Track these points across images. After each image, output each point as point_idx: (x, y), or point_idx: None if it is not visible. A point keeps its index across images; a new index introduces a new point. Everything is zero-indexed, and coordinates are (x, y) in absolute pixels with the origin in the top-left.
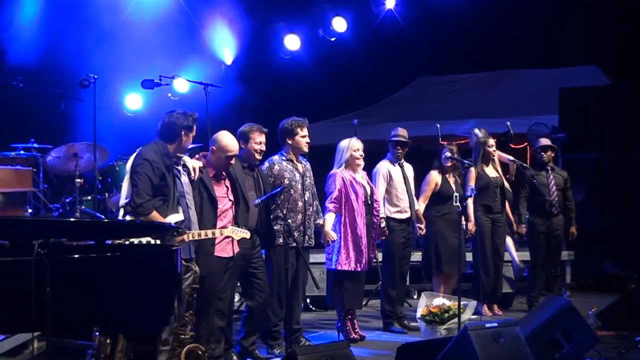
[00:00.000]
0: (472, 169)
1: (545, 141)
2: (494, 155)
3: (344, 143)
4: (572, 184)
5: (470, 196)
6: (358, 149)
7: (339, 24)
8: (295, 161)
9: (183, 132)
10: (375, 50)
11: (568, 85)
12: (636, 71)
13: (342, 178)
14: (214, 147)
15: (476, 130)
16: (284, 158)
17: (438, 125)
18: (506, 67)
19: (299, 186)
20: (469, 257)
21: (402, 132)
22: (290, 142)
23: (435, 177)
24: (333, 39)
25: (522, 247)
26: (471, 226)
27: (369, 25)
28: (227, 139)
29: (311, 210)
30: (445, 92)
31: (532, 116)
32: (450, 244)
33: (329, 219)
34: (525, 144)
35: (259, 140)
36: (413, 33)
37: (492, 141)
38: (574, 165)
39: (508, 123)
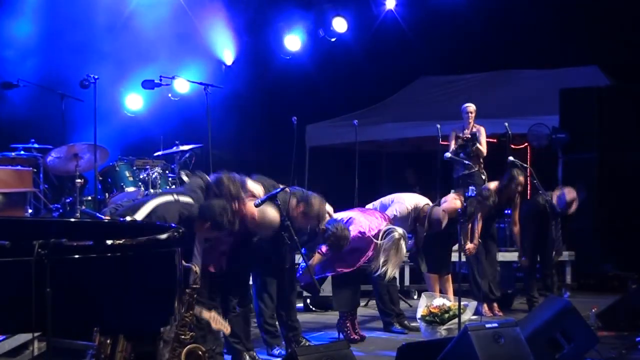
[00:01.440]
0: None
1: (570, 197)
2: (517, 192)
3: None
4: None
5: (471, 196)
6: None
7: (340, 24)
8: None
9: (209, 223)
10: (375, 50)
11: (568, 85)
12: (636, 71)
13: (364, 245)
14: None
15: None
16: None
17: (438, 126)
18: (506, 67)
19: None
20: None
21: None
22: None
23: (455, 204)
24: (333, 39)
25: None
26: (471, 247)
27: (369, 26)
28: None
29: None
30: (446, 92)
31: (533, 116)
32: (439, 245)
33: (318, 258)
34: (525, 144)
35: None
36: (413, 33)
37: (521, 179)
38: (574, 165)
39: (506, 124)
